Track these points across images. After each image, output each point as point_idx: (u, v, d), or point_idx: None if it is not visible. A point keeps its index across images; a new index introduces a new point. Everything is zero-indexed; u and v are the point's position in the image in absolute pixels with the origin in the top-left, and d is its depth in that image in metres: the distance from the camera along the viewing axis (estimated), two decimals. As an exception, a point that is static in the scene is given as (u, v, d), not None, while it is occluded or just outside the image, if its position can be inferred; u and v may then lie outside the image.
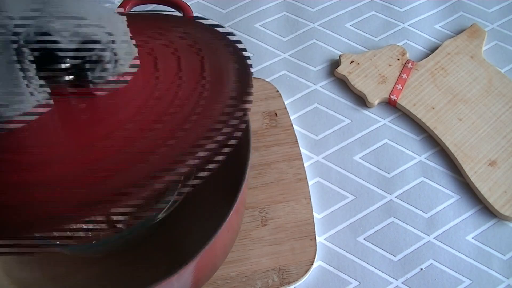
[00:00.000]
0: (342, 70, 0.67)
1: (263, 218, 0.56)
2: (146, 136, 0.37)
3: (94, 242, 0.47)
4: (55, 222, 0.34)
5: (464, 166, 0.60)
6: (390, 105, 0.65)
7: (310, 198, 0.57)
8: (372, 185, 0.60)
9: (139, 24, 0.42)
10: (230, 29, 0.72)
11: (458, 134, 0.62)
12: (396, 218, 0.58)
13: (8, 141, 0.37)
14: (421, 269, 0.55)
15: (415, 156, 0.62)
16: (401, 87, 0.65)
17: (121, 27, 0.37)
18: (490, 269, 0.54)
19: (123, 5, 0.55)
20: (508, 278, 0.54)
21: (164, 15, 0.47)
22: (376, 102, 0.65)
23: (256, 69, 0.69)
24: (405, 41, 0.70)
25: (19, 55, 0.33)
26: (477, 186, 0.58)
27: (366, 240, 0.56)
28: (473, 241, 0.56)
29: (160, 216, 0.48)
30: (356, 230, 0.57)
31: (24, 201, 0.34)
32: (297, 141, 0.61)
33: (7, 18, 0.31)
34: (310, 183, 0.59)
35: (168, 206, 0.48)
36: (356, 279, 0.54)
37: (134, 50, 0.39)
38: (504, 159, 0.60)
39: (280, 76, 0.68)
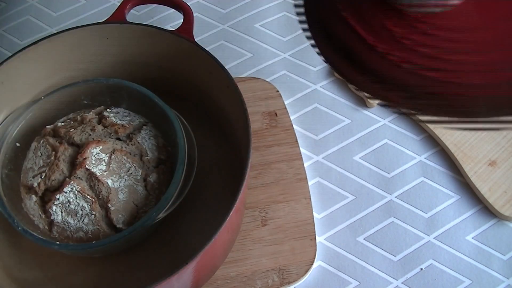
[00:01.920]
0: (342, 70, 0.67)
1: (263, 218, 0.56)
2: None
3: (94, 242, 0.47)
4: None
5: (464, 166, 0.60)
6: (390, 105, 0.65)
7: (310, 198, 0.57)
8: (372, 185, 0.60)
9: None
10: (230, 29, 0.72)
11: (458, 134, 0.62)
12: (396, 218, 0.58)
13: (437, 20, 0.42)
14: (421, 269, 0.55)
15: (415, 156, 0.62)
16: (401, 87, 0.65)
17: None
18: (490, 269, 0.54)
19: (123, 5, 0.55)
20: (508, 278, 0.54)
21: None
22: (376, 102, 0.65)
23: (256, 69, 0.69)
24: (405, 41, 0.70)
25: None
26: (477, 186, 0.58)
27: (366, 240, 0.56)
28: (473, 241, 0.56)
29: (160, 216, 0.48)
30: (356, 230, 0.57)
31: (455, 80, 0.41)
32: (297, 141, 0.61)
33: None
34: (310, 183, 0.59)
35: (168, 206, 0.48)
36: (356, 279, 0.54)
37: None
38: (504, 159, 0.60)
39: (280, 76, 0.68)
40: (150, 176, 0.50)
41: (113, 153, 0.50)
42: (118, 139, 0.51)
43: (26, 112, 0.53)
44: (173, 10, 0.57)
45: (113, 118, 0.52)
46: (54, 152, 0.50)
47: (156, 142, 0.52)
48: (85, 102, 0.56)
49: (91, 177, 0.48)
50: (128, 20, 0.55)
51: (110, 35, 0.55)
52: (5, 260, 0.52)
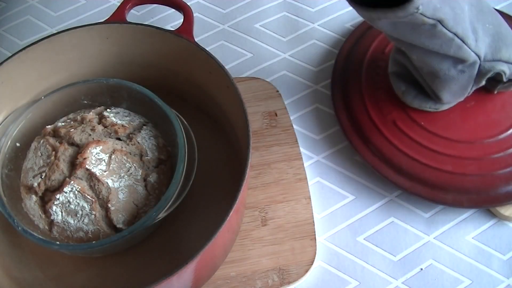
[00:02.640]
0: (342, 70, 0.67)
1: (263, 218, 0.56)
2: None
3: (94, 242, 0.47)
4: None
5: (464, 166, 0.61)
6: (390, 105, 0.66)
7: (310, 198, 0.57)
8: (372, 184, 0.60)
9: None
10: (230, 29, 0.72)
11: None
12: (396, 218, 0.58)
13: (440, 119, 0.59)
14: (421, 269, 0.55)
15: (415, 156, 0.61)
16: (401, 87, 0.66)
17: None
18: (490, 269, 0.54)
19: (123, 5, 0.55)
20: (508, 278, 0.54)
21: None
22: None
23: (256, 69, 0.69)
24: (405, 41, 0.70)
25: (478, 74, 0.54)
26: (477, 186, 0.59)
27: (366, 240, 0.56)
28: (473, 241, 0.56)
29: (160, 216, 0.48)
30: (356, 230, 0.57)
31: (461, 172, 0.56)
32: (297, 141, 0.61)
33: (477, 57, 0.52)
34: (310, 183, 0.59)
35: (168, 206, 0.48)
36: (356, 279, 0.54)
37: None
38: (504, 159, 0.61)
39: (280, 76, 0.68)
40: (150, 176, 0.50)
41: (113, 153, 0.50)
42: (118, 139, 0.51)
43: (26, 112, 0.53)
44: (173, 10, 0.57)
45: (113, 118, 0.52)
46: (54, 152, 0.50)
47: (156, 142, 0.52)
48: (85, 102, 0.56)
49: (91, 177, 0.48)
50: (128, 20, 0.55)
51: (110, 35, 0.55)
52: (5, 260, 0.52)
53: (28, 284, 0.51)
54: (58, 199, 0.48)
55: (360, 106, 0.61)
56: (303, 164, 0.59)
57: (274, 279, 0.53)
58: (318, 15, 0.73)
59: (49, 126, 0.53)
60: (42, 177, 0.49)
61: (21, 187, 0.51)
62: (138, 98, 0.54)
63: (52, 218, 0.48)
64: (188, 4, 0.56)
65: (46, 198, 0.49)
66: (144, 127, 0.53)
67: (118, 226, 0.49)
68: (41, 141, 0.51)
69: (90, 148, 0.49)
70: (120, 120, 0.52)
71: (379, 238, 0.56)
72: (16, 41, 0.72)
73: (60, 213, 0.48)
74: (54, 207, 0.48)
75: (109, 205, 0.48)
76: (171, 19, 0.73)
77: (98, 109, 0.54)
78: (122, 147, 0.51)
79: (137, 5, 0.56)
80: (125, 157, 0.50)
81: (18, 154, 0.52)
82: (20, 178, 0.51)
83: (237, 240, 0.54)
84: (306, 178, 0.58)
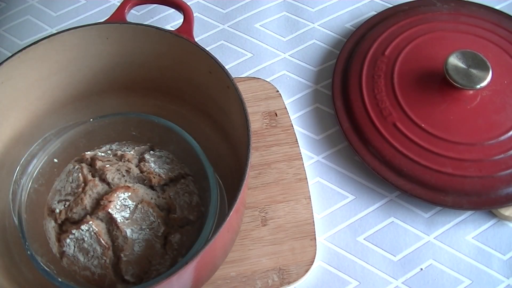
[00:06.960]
0: (342, 70, 0.67)
1: (263, 218, 0.56)
2: None
3: None
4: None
5: (464, 166, 0.61)
6: (390, 105, 0.66)
7: (310, 198, 0.57)
8: (372, 185, 0.60)
9: None
10: (230, 29, 0.72)
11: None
12: (396, 218, 0.58)
13: (440, 121, 0.59)
14: (421, 269, 0.55)
15: (415, 156, 0.62)
16: (401, 87, 0.66)
17: None
18: (490, 269, 0.54)
19: (123, 5, 0.55)
20: (508, 278, 0.54)
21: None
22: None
23: (256, 69, 0.69)
24: (405, 41, 0.70)
25: None
26: (477, 186, 0.59)
27: (366, 240, 0.56)
28: (473, 241, 0.56)
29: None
30: (356, 230, 0.57)
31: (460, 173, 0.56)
32: (297, 141, 0.61)
33: None
34: (310, 183, 0.59)
35: None
36: (356, 279, 0.54)
37: None
38: (504, 159, 0.61)
39: (280, 76, 0.68)
40: (173, 236, 0.48)
41: (140, 203, 0.48)
42: (152, 187, 0.50)
43: (71, 132, 0.52)
44: (173, 10, 0.57)
45: (152, 164, 0.51)
46: (84, 184, 0.49)
47: (190, 200, 0.50)
48: (134, 134, 0.55)
49: (111, 222, 0.47)
50: (128, 20, 0.55)
51: (110, 35, 0.55)
52: (5, 260, 0.52)
53: (29, 284, 0.51)
54: (74, 234, 0.47)
55: (360, 107, 0.61)
56: (303, 164, 0.59)
57: (274, 279, 0.53)
58: (318, 15, 0.73)
59: (89, 152, 0.52)
60: (65, 205, 0.48)
61: (46, 205, 0.50)
62: (185, 148, 0.52)
63: (64, 249, 0.48)
64: (188, 4, 0.56)
65: (64, 227, 0.48)
66: (182, 180, 0.51)
67: (125, 277, 0.47)
68: (76, 167, 0.50)
69: (117, 193, 0.48)
70: (159, 168, 0.51)
71: (379, 238, 0.56)
72: (16, 41, 0.72)
73: (73, 247, 0.47)
74: (68, 240, 0.47)
75: (122, 254, 0.47)
76: (171, 19, 0.73)
77: (142, 148, 0.53)
78: (151, 198, 0.49)
79: (137, 5, 0.56)
80: (151, 210, 0.48)
81: (54, 170, 0.52)
82: (48, 195, 0.51)
83: (237, 240, 0.54)
84: (306, 178, 0.58)
